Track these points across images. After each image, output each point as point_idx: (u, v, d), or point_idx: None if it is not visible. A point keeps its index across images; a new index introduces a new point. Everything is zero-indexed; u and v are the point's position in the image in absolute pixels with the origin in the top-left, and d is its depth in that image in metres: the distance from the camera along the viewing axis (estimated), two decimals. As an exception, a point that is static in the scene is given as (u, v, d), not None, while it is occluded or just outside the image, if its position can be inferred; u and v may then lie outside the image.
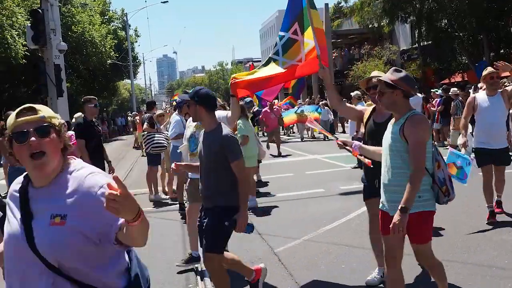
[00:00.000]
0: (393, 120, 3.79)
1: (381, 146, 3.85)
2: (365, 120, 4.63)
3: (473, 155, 6.53)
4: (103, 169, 7.57)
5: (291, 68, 5.40)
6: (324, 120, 21.20)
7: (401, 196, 3.46)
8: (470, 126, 7.38)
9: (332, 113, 22.67)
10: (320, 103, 23.20)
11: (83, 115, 7.68)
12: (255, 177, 10.95)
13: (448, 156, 5.38)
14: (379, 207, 3.86)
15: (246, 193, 4.29)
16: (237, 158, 4.15)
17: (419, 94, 13.57)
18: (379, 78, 3.87)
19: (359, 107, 5.77)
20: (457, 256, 5.36)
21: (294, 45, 5.38)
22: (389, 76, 3.69)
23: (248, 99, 11.33)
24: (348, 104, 5.32)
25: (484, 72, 6.56)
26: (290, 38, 5.40)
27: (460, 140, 6.43)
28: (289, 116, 19.47)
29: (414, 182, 3.47)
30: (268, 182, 11.14)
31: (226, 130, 4.24)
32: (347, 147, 4.20)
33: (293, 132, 26.24)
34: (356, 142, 4.24)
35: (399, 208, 3.44)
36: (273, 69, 5.44)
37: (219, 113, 5.37)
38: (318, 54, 4.96)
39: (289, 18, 5.47)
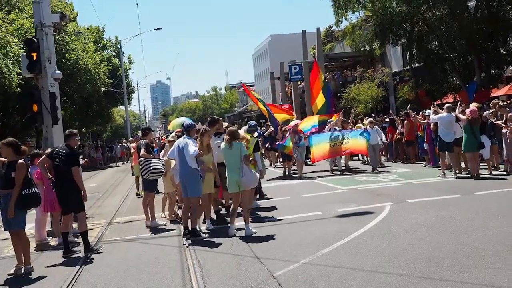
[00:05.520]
0: None
1: None
2: None
3: None
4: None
5: None
6: (372, 145, 16.39)
7: None
8: None
9: (383, 134, 17.56)
10: (365, 121, 18.49)
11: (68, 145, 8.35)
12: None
13: None
14: None
15: None
16: None
17: (452, 113, 13.56)
18: None
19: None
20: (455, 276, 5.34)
21: None
22: None
23: (252, 122, 11.58)
24: None
25: None
26: None
27: None
28: (320, 145, 16.18)
29: None
30: (266, 206, 11.11)
31: None
32: None
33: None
34: None
35: None
36: None
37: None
38: None
39: None
